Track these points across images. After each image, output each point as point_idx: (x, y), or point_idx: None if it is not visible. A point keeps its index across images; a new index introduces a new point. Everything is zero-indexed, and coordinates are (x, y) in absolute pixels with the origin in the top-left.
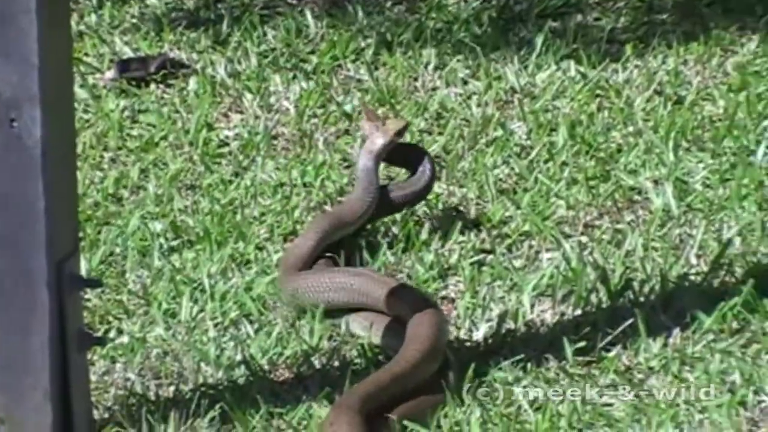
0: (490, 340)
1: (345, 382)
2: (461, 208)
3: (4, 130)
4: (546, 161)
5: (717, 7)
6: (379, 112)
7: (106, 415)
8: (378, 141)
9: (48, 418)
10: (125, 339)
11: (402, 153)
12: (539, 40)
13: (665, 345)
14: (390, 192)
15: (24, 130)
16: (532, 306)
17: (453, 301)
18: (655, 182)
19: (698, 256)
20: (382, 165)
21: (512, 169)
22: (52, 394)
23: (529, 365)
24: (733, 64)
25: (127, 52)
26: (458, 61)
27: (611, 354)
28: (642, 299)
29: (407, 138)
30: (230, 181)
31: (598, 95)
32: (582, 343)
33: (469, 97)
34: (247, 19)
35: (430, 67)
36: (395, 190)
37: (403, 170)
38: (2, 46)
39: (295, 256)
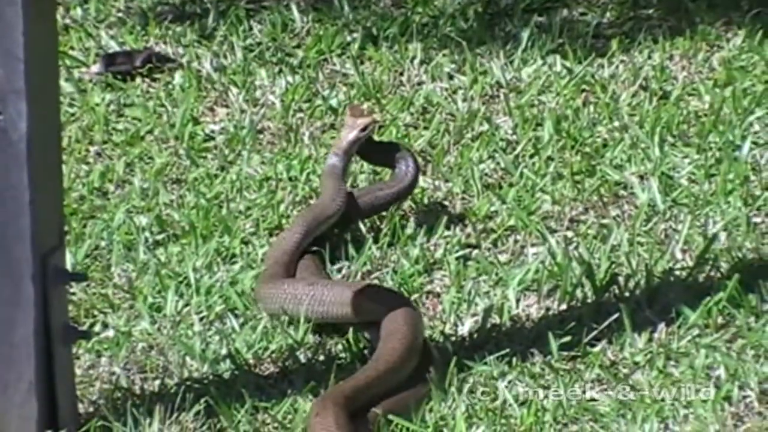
0: (475, 335)
1: (330, 376)
2: (447, 203)
3: None
4: (531, 156)
5: (702, 2)
6: (365, 106)
7: (91, 409)
8: (346, 136)
9: (33, 412)
10: (110, 333)
11: (382, 151)
12: (525, 35)
13: (650, 340)
14: (376, 191)
15: (9, 123)
16: (518, 301)
17: (438, 295)
18: (641, 177)
19: (683, 251)
20: (359, 164)
21: (498, 163)
22: (37, 388)
23: (514, 360)
24: (719, 59)
25: (113, 46)
26: (444, 55)
27: (596, 349)
28: (627, 294)
29: (393, 135)
30: (216, 176)
31: (583, 90)
32: (567, 338)
33: (454, 92)
34: (232, 13)
35: (416, 61)
36: (381, 189)
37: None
38: None
39: (276, 258)
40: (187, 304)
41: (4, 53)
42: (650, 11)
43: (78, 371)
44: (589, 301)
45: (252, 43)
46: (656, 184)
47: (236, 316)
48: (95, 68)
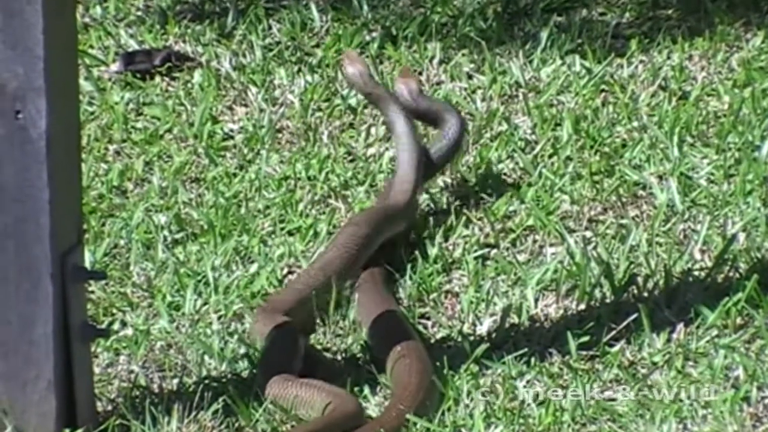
0: (493, 335)
1: (346, 376)
2: (465, 202)
3: (9, 122)
4: (550, 156)
5: (722, 2)
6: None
7: (110, 408)
8: (402, 93)
9: (51, 409)
10: (129, 331)
11: (428, 110)
12: (544, 35)
13: (669, 340)
14: (427, 152)
15: (29, 121)
16: (536, 300)
17: (457, 295)
18: (660, 177)
19: (702, 252)
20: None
21: (516, 163)
22: (56, 385)
23: (532, 359)
24: (738, 59)
25: (132, 45)
26: (463, 55)
27: (615, 349)
28: (646, 294)
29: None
30: (234, 174)
31: (602, 90)
32: (586, 338)
33: (473, 92)
34: (252, 12)
35: (435, 61)
36: (431, 149)
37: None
38: (8, 38)
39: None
40: (205, 303)
41: (24, 51)
42: (669, 11)
43: (96, 369)
44: (607, 301)
45: (271, 42)
46: (675, 185)
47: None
48: (114, 67)
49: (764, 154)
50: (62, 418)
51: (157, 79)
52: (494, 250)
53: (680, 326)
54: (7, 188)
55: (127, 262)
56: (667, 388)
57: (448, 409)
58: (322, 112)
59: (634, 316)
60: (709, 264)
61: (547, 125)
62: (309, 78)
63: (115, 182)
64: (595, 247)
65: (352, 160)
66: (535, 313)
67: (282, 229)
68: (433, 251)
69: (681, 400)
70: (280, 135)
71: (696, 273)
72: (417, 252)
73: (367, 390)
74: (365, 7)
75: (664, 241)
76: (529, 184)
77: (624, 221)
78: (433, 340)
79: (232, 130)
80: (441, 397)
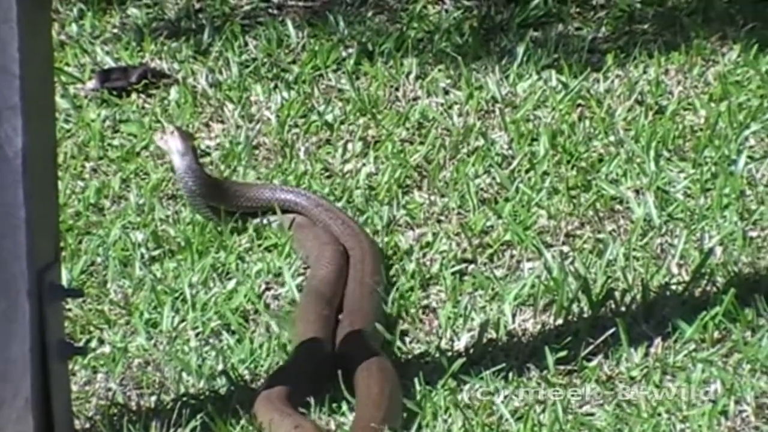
0: (471, 350)
1: (325, 393)
2: (442, 218)
3: None
4: (527, 171)
5: (698, 17)
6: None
7: (88, 425)
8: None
9: (29, 428)
10: (107, 349)
11: None
12: (520, 50)
13: (647, 354)
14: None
15: (5, 139)
16: (514, 315)
17: (434, 310)
18: (637, 192)
19: (679, 266)
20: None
21: (493, 178)
22: (33, 404)
23: (510, 375)
24: (714, 73)
25: (108, 62)
26: (439, 70)
27: (593, 363)
28: (623, 309)
29: (389, 150)
30: None
31: (579, 105)
32: (563, 353)
33: (450, 107)
34: (228, 29)
35: (412, 76)
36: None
37: None
38: None
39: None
40: (183, 320)
41: (0, 69)
42: (645, 26)
43: (74, 387)
44: (585, 315)
45: (247, 58)
46: (652, 199)
47: (232, 333)
48: (91, 84)
49: (740, 169)
50: None
51: (134, 96)
52: (472, 266)
53: (658, 340)
54: None
55: (104, 280)
56: (645, 403)
57: (426, 425)
58: (298, 129)
59: (612, 330)
60: (687, 278)
61: (524, 140)
62: (285, 94)
63: (92, 199)
64: (572, 262)
65: (329, 176)
66: (513, 328)
67: (259, 245)
68: (410, 266)
69: (659, 415)
70: (257, 151)
71: (673, 287)
72: (395, 267)
73: (344, 407)
74: (341, 23)
75: (642, 255)
76: (506, 199)
77: (601, 236)
78: (410, 356)
79: (209, 147)
80: (418, 411)
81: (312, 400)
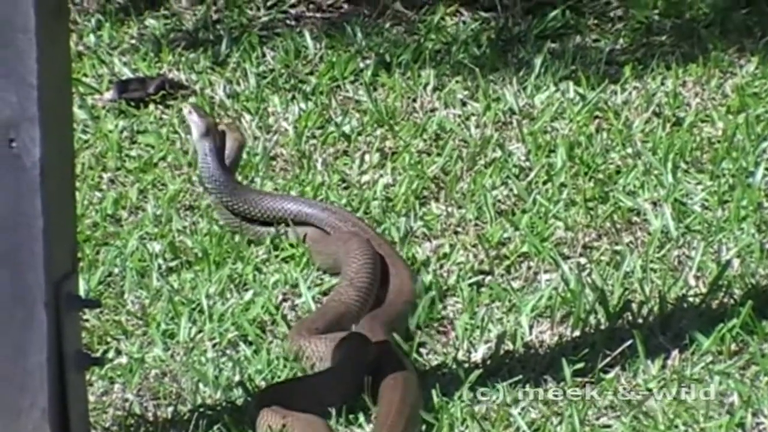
0: (488, 361)
1: (341, 404)
2: (460, 229)
3: (3, 151)
4: (545, 182)
5: (715, 28)
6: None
7: None
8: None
9: None
10: (123, 359)
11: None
12: (538, 62)
13: (664, 366)
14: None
15: (23, 150)
16: (531, 327)
17: (451, 322)
18: (654, 204)
19: (697, 278)
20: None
21: (511, 190)
22: (50, 414)
23: (527, 386)
24: (732, 85)
25: (126, 73)
26: (457, 82)
27: (610, 375)
28: (640, 321)
29: (406, 161)
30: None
31: (596, 117)
32: (580, 365)
33: (467, 118)
34: (246, 40)
35: (429, 88)
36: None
37: None
38: (1, 67)
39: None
40: (200, 331)
41: (18, 80)
42: (663, 38)
43: (91, 398)
44: (602, 327)
45: (265, 69)
46: (669, 211)
47: (249, 343)
48: (108, 95)
49: (758, 181)
50: None
51: (151, 107)
52: (489, 277)
53: (675, 352)
54: (1, 216)
55: (121, 290)
56: (662, 415)
57: None
58: (316, 140)
59: (629, 342)
60: (704, 290)
61: (541, 152)
62: (303, 105)
63: (110, 210)
64: (589, 274)
65: (346, 187)
66: (530, 339)
67: (276, 256)
68: (428, 278)
69: (676, 427)
70: (274, 162)
71: (690, 299)
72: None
73: (361, 418)
74: (359, 35)
75: (659, 267)
76: (524, 211)
77: (618, 247)
78: (427, 367)
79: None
80: (435, 423)
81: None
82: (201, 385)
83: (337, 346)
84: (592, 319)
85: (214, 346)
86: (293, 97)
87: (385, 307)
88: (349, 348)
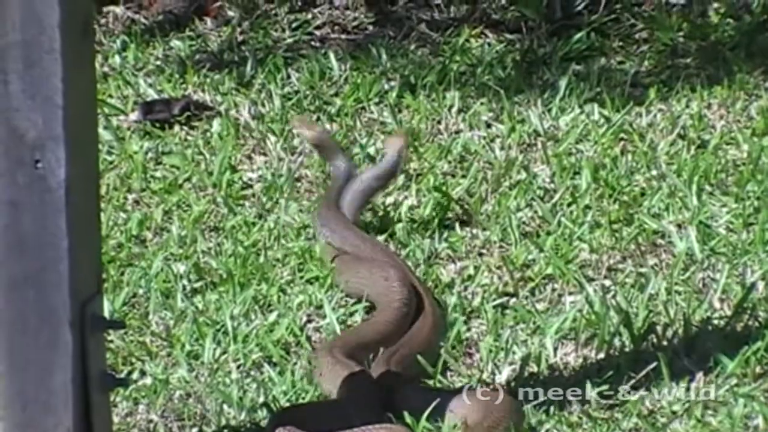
0: (512, 383)
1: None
2: (484, 251)
3: (28, 171)
4: (569, 204)
5: (740, 51)
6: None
7: None
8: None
9: None
10: (148, 380)
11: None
12: (563, 84)
13: (688, 389)
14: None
15: (48, 170)
16: (555, 349)
17: (476, 343)
18: (679, 226)
19: (721, 300)
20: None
21: (535, 212)
22: None
23: (552, 408)
24: (757, 108)
25: (151, 94)
26: (482, 104)
27: (634, 398)
28: (665, 343)
29: (430, 183)
30: (253, 223)
31: (621, 139)
32: (605, 387)
33: (492, 140)
34: (270, 62)
35: (454, 109)
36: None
37: None
38: (27, 87)
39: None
40: (224, 352)
41: (44, 100)
42: (688, 60)
43: (115, 419)
44: (626, 349)
45: (290, 91)
46: (694, 233)
47: (273, 365)
48: (133, 116)
49: None
50: None
51: (176, 128)
52: (513, 299)
53: (699, 375)
54: (27, 237)
55: (146, 311)
56: None
57: None
58: None
59: (654, 365)
60: (729, 312)
61: (566, 174)
62: (328, 127)
63: (135, 231)
64: (614, 296)
65: (370, 209)
66: (554, 362)
67: (301, 278)
68: (452, 300)
69: None
70: (299, 184)
71: (715, 321)
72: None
73: None
74: (384, 56)
75: (683, 289)
76: (548, 233)
77: (643, 270)
78: (452, 389)
79: (251, 179)
80: None
81: None
82: (225, 407)
83: (355, 375)
84: (616, 342)
85: (238, 367)
86: (318, 119)
87: (403, 343)
88: (368, 377)
